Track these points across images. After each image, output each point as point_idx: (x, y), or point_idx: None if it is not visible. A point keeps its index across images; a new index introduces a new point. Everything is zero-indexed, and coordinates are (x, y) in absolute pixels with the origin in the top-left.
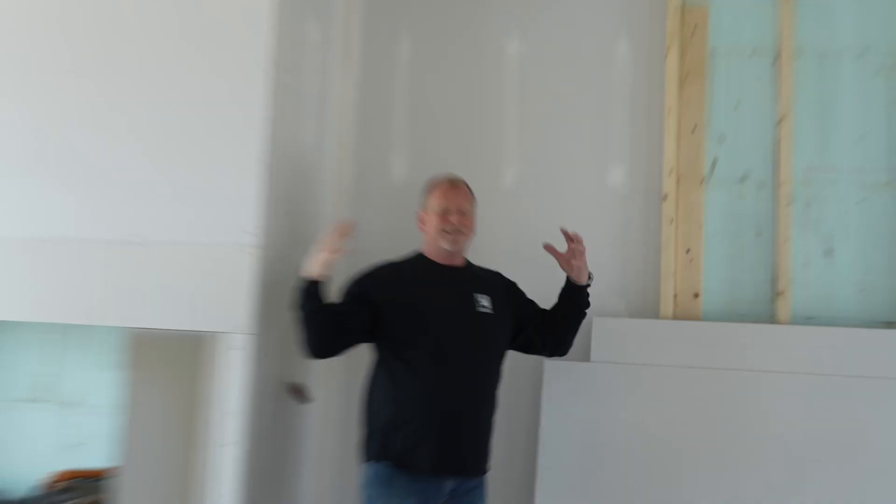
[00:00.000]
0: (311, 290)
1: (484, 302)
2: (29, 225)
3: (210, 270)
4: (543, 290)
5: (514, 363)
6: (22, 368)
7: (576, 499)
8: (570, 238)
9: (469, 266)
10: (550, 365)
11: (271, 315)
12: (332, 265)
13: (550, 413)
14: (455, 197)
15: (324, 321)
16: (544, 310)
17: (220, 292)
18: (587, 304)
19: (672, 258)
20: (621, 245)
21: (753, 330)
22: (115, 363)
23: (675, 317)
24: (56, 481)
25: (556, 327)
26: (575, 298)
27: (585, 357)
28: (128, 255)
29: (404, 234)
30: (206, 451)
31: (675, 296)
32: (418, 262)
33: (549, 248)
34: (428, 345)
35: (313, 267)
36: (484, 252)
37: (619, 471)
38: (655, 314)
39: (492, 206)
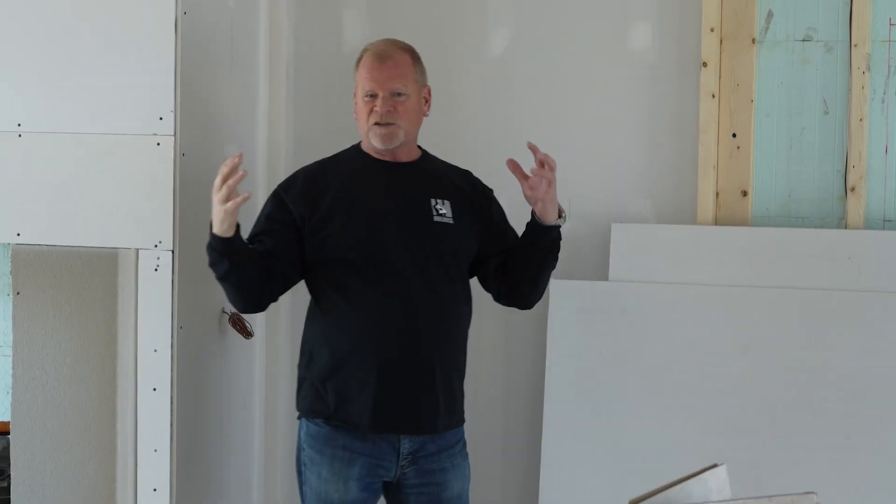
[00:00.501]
0: (218, 248)
1: (442, 208)
2: None
3: (113, 167)
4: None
5: None
6: None
7: (588, 443)
8: (538, 160)
9: (424, 160)
10: (558, 284)
11: (196, 224)
12: (233, 212)
13: (558, 344)
14: (382, 75)
15: (241, 277)
16: (508, 241)
17: (127, 195)
18: (556, 250)
19: (713, 145)
20: (647, 129)
21: (817, 236)
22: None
23: (718, 221)
24: None
25: (512, 274)
26: (538, 241)
27: (602, 274)
28: (6, 151)
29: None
30: (125, 400)
31: (718, 194)
32: (354, 159)
33: (513, 166)
34: (366, 268)
35: (214, 222)
36: (461, 143)
37: (641, 416)
38: (692, 218)
39: (473, 81)
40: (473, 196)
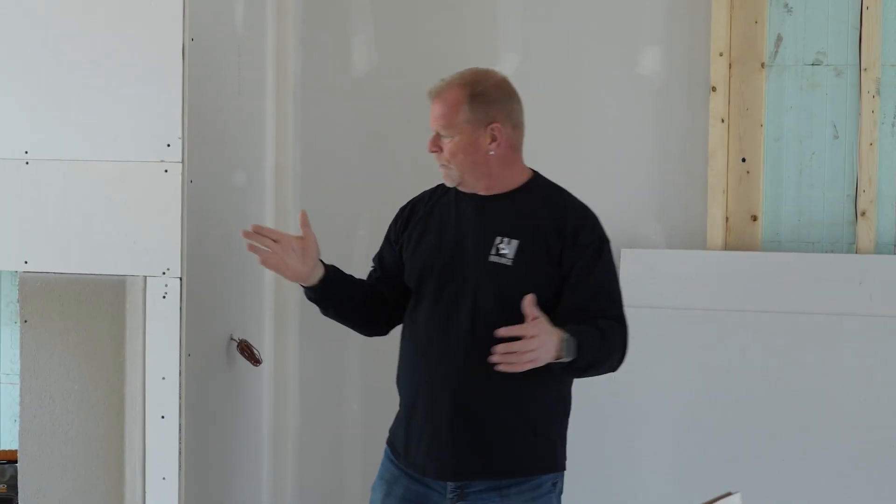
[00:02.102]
0: (308, 295)
1: (505, 248)
2: None
3: (120, 194)
4: None
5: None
6: None
7: (597, 469)
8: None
9: (524, 191)
10: None
11: (204, 251)
12: (287, 266)
13: None
14: (434, 113)
15: (340, 314)
16: (572, 304)
17: (134, 222)
18: (577, 371)
19: (723, 170)
20: (656, 153)
21: (828, 261)
22: (6, 319)
23: (727, 246)
24: None
25: None
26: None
27: None
28: (13, 178)
29: (367, 144)
30: (133, 428)
31: (727, 219)
32: (450, 192)
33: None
34: (417, 302)
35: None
36: None
37: (651, 441)
38: (702, 243)
39: None
40: (552, 239)
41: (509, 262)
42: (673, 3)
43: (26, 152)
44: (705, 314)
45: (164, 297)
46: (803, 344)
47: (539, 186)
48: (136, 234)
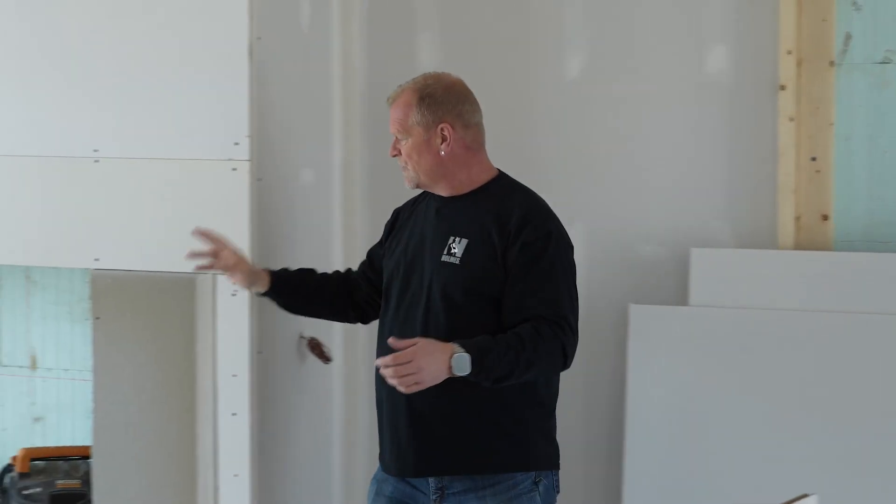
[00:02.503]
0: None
1: (455, 248)
2: None
3: (189, 192)
4: (615, 222)
5: (591, 305)
6: None
7: (670, 469)
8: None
9: (483, 190)
10: (638, 310)
11: (272, 248)
12: (233, 274)
13: (638, 370)
14: (391, 118)
15: (304, 311)
16: (508, 304)
17: (203, 220)
18: (497, 382)
19: (792, 169)
20: (725, 153)
21: None
22: (79, 315)
23: (798, 246)
24: (18, 462)
25: None
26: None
27: (682, 299)
28: (83, 177)
29: None
30: (205, 425)
31: (798, 218)
32: (427, 196)
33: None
34: (387, 309)
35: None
36: (536, 167)
37: (724, 442)
38: (771, 243)
39: (549, 104)
40: (497, 237)
41: (457, 262)
42: (740, 1)
43: (96, 150)
44: (777, 314)
45: (233, 294)
46: (876, 345)
47: (499, 186)
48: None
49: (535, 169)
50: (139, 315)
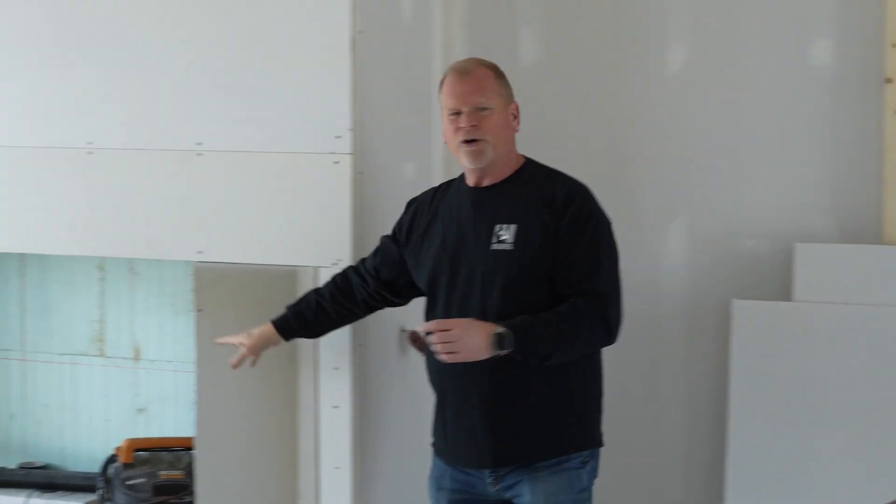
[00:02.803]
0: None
1: (504, 234)
2: (65, 133)
3: (291, 186)
4: (718, 217)
5: (694, 300)
6: (66, 316)
7: (773, 463)
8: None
9: (517, 178)
10: (741, 305)
11: (374, 242)
12: (258, 352)
13: (742, 365)
14: (465, 90)
15: (319, 334)
16: (558, 278)
17: (305, 214)
18: (545, 359)
19: None
20: (830, 146)
21: None
22: (181, 307)
23: None
24: (122, 453)
25: None
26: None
27: (786, 295)
28: (187, 169)
29: (533, 135)
30: (306, 417)
31: None
32: (454, 187)
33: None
34: (430, 300)
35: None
36: (639, 160)
37: (827, 437)
38: (877, 237)
39: (651, 97)
40: (547, 216)
41: (510, 247)
42: None
43: (199, 143)
44: (883, 310)
45: None
46: None
47: (532, 171)
48: (307, 225)
49: (636, 164)
50: (241, 307)
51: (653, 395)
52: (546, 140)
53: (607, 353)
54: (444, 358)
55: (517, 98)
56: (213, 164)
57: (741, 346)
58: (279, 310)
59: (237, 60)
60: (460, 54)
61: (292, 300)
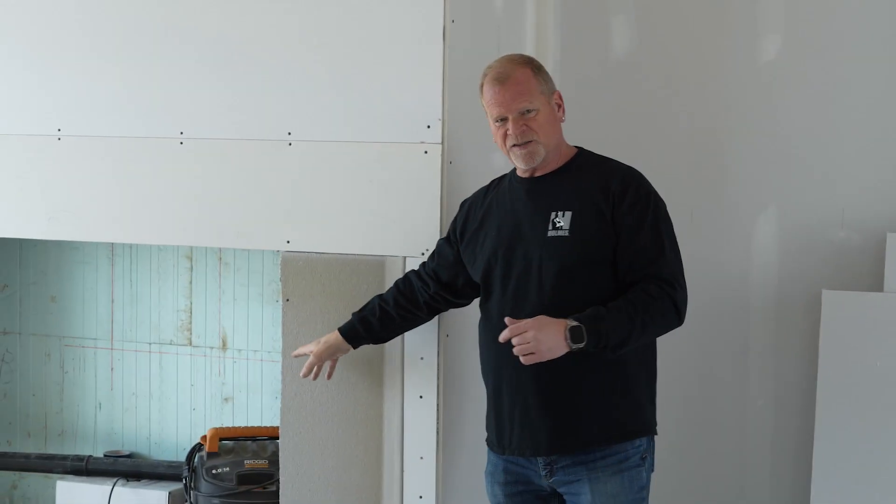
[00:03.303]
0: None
1: (560, 221)
2: (156, 123)
3: (380, 176)
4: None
5: (783, 290)
6: (154, 305)
7: (860, 455)
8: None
9: (569, 167)
10: (831, 296)
11: None
12: (333, 361)
13: (830, 356)
14: (506, 97)
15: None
16: (622, 265)
17: (394, 203)
18: (619, 348)
19: None
20: None
21: None
22: (269, 297)
23: None
24: (207, 442)
25: None
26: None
27: (877, 285)
28: (276, 159)
29: (624, 126)
30: (392, 407)
31: None
32: (506, 181)
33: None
34: (486, 292)
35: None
36: (730, 150)
37: None
38: None
39: (744, 86)
40: (603, 203)
41: (566, 234)
42: None
43: (289, 133)
44: None
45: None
46: None
47: (585, 158)
48: (396, 215)
49: (727, 153)
50: (329, 297)
51: (741, 386)
52: (637, 130)
53: (695, 343)
54: (524, 360)
55: (609, 85)
56: (303, 154)
57: (831, 337)
58: (366, 299)
59: (327, 50)
60: (553, 44)
61: (378, 290)
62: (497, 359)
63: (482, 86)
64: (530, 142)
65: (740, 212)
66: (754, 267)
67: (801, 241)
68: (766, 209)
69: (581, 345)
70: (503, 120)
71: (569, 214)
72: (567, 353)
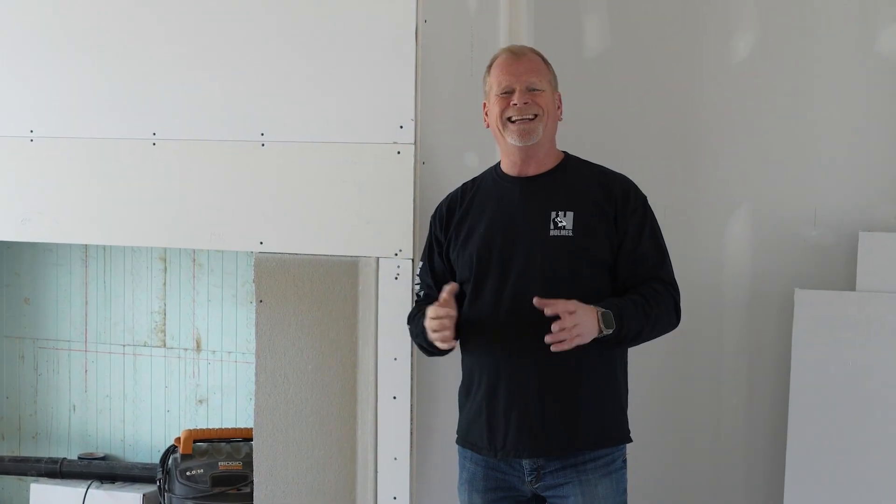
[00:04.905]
0: (426, 347)
1: (562, 221)
2: (129, 124)
3: (353, 176)
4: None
5: (756, 289)
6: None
7: (833, 454)
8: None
9: (561, 169)
10: (804, 295)
11: None
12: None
13: (803, 354)
14: (519, 69)
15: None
16: (628, 268)
17: (367, 204)
18: (633, 340)
19: None
20: (895, 134)
21: None
22: (243, 298)
23: None
24: (182, 444)
25: None
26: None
27: (849, 284)
28: (248, 160)
29: (597, 125)
30: (365, 408)
31: None
32: (490, 179)
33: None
34: (478, 293)
35: (431, 336)
36: (703, 149)
37: (889, 428)
38: None
39: (717, 86)
40: (606, 205)
41: (569, 233)
42: None
43: (262, 134)
44: None
45: (396, 277)
46: None
47: (573, 161)
48: (369, 216)
49: (700, 151)
50: (302, 298)
51: (714, 384)
52: (610, 129)
53: (669, 342)
54: (557, 347)
55: (583, 84)
56: (276, 154)
57: (803, 336)
58: (341, 301)
59: (300, 51)
60: (526, 43)
61: (351, 292)
62: (494, 358)
63: (490, 66)
64: (533, 118)
65: (713, 210)
66: (727, 265)
67: (774, 239)
68: (739, 208)
69: (610, 331)
70: (509, 92)
71: (570, 215)
72: (567, 354)
